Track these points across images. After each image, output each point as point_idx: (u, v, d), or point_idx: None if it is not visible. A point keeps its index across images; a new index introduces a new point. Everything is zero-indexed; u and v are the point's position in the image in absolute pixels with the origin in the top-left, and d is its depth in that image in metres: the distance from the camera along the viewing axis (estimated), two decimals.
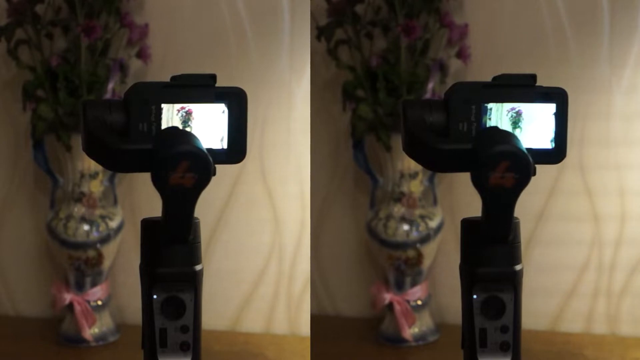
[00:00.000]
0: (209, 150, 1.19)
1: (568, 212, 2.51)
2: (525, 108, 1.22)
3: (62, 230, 2.42)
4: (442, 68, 2.40)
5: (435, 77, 2.37)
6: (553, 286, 2.53)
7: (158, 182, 1.12)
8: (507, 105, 1.22)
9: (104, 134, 1.18)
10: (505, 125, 1.22)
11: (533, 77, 1.22)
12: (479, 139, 1.17)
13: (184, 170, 1.12)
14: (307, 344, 2.42)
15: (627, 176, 2.48)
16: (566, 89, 1.23)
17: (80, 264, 2.43)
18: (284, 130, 2.50)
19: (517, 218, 1.21)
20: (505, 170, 1.13)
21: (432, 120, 1.22)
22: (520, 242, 1.23)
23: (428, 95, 2.35)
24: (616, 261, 2.50)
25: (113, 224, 2.45)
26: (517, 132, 1.22)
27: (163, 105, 1.20)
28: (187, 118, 1.21)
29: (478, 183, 1.14)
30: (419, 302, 2.47)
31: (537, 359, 2.35)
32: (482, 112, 1.22)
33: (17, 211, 2.63)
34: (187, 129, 1.20)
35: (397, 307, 2.44)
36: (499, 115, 1.22)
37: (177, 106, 1.20)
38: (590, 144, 2.46)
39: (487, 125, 1.21)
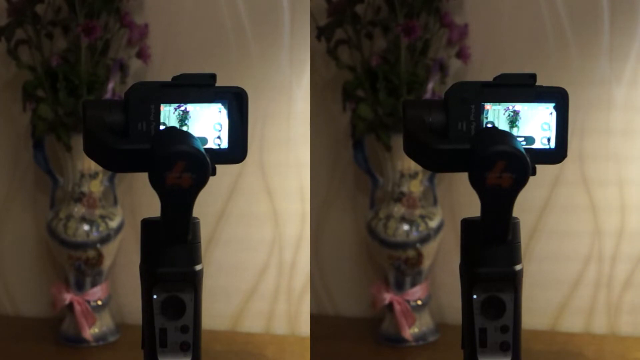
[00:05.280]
0: (209, 150, 1.19)
1: (569, 204, 2.51)
2: (525, 108, 1.22)
3: (62, 230, 2.42)
4: (442, 68, 2.40)
5: (435, 77, 2.37)
6: (554, 278, 2.53)
7: (155, 183, 1.12)
8: (505, 105, 1.22)
9: (103, 133, 1.18)
10: (503, 124, 1.22)
11: (533, 77, 1.22)
12: (477, 138, 1.17)
13: (181, 171, 1.11)
14: (307, 344, 2.42)
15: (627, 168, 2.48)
16: (566, 85, 1.23)
17: (80, 264, 2.43)
18: (284, 130, 2.50)
19: (516, 218, 1.21)
20: (502, 170, 1.12)
21: (432, 121, 1.22)
22: (520, 241, 1.23)
23: (428, 95, 2.35)
24: (617, 253, 2.50)
25: (113, 224, 2.45)
26: (514, 132, 1.22)
27: (162, 105, 1.20)
28: (184, 117, 1.21)
29: (475, 183, 1.14)
30: (419, 302, 2.47)
31: (537, 359, 2.35)
32: (481, 112, 1.22)
33: (17, 211, 2.63)
34: (185, 128, 1.20)
35: (397, 307, 2.44)
36: (496, 114, 1.22)
37: (176, 106, 1.20)
38: (590, 135, 2.45)
39: (485, 125, 1.22)
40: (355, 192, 2.63)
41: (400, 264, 2.44)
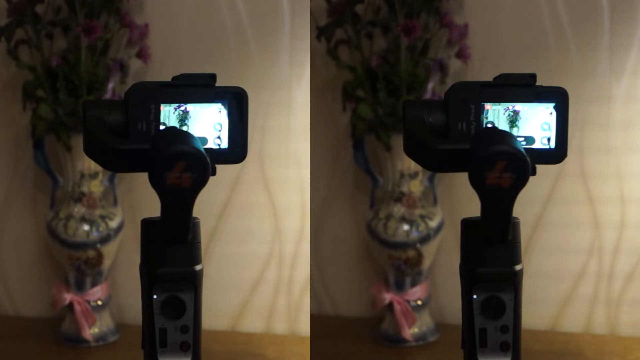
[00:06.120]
0: (209, 150, 1.19)
1: (568, 219, 2.51)
2: (525, 108, 1.22)
3: (62, 230, 2.42)
4: (442, 68, 2.40)
5: (435, 77, 2.37)
6: (551, 293, 2.53)
7: (155, 183, 1.12)
8: (505, 105, 1.22)
9: (103, 133, 1.18)
10: (503, 124, 1.22)
11: (533, 77, 1.22)
12: (477, 138, 1.17)
13: (181, 170, 1.11)
14: (307, 344, 2.42)
15: (628, 184, 2.48)
16: (566, 85, 1.22)
17: (80, 264, 2.43)
18: (284, 130, 2.50)
19: (516, 218, 1.21)
20: (502, 170, 1.12)
21: (432, 121, 1.22)
22: (520, 242, 1.23)
23: (428, 95, 2.35)
24: (615, 269, 2.50)
25: (113, 224, 2.45)
26: (514, 132, 1.22)
27: (162, 105, 1.20)
28: (184, 117, 1.21)
29: (475, 183, 1.13)
30: (419, 302, 2.47)
31: (537, 359, 2.35)
32: (481, 112, 1.22)
33: (17, 211, 2.63)
34: (185, 128, 1.20)
35: (397, 307, 2.44)
36: (496, 114, 1.22)
37: (176, 105, 1.20)
38: (590, 151, 2.45)
39: (485, 125, 1.22)
40: (355, 192, 2.63)
41: (400, 264, 2.44)
